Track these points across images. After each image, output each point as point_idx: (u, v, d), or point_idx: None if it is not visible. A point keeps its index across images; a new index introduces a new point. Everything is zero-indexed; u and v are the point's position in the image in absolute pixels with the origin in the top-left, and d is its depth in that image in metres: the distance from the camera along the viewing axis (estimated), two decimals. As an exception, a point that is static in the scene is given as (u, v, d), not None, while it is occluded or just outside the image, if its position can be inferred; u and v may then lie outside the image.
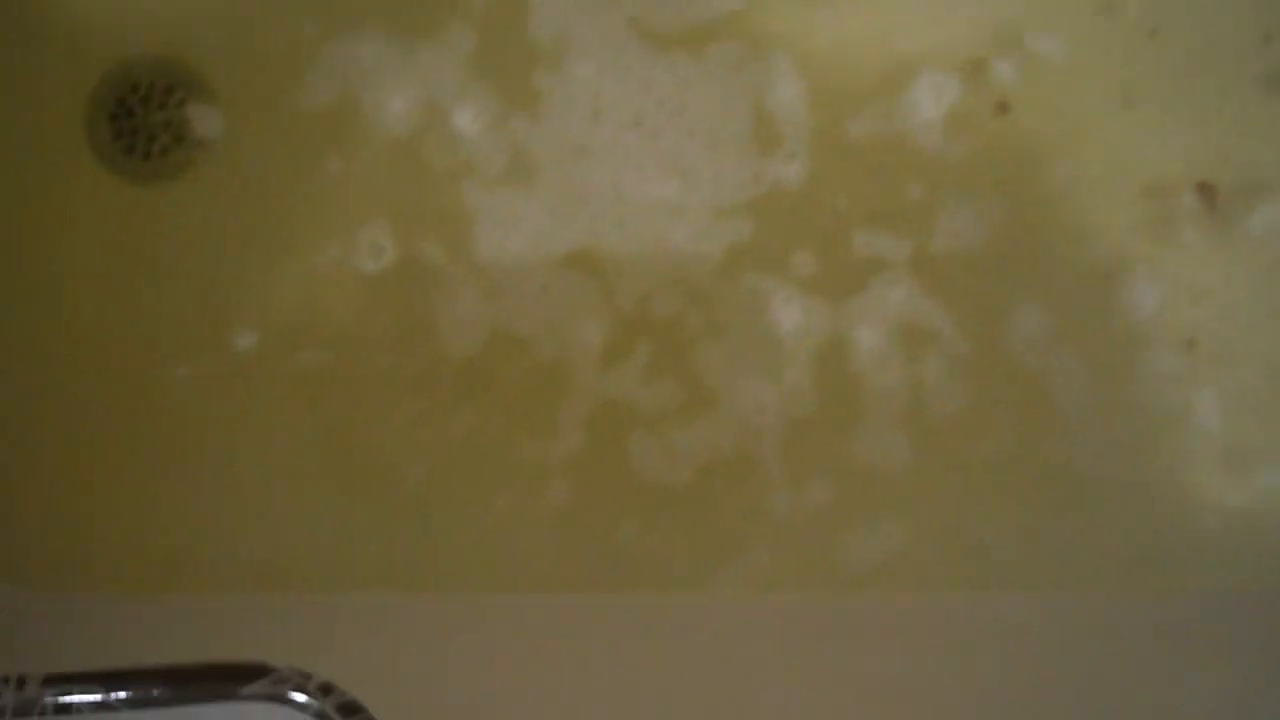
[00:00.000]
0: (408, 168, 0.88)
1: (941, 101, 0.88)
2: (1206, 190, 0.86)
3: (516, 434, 0.86)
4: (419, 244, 0.87)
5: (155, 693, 0.54)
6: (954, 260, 0.87)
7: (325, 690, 0.51)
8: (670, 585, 0.84)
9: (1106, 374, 0.86)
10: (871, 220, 0.87)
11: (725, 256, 0.87)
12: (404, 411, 0.86)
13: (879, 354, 0.86)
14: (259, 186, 0.88)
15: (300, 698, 0.51)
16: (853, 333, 0.87)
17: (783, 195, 0.87)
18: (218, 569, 0.84)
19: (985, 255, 0.87)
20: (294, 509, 0.86)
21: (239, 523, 0.86)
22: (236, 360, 0.86)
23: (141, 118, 0.88)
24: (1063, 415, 0.86)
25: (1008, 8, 0.88)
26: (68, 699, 0.57)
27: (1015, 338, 0.87)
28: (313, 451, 0.87)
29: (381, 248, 0.87)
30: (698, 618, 0.81)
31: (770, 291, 0.87)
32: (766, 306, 0.87)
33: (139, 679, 0.54)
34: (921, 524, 0.85)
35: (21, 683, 0.58)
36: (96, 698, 0.56)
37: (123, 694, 0.54)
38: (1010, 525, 0.85)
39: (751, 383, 0.86)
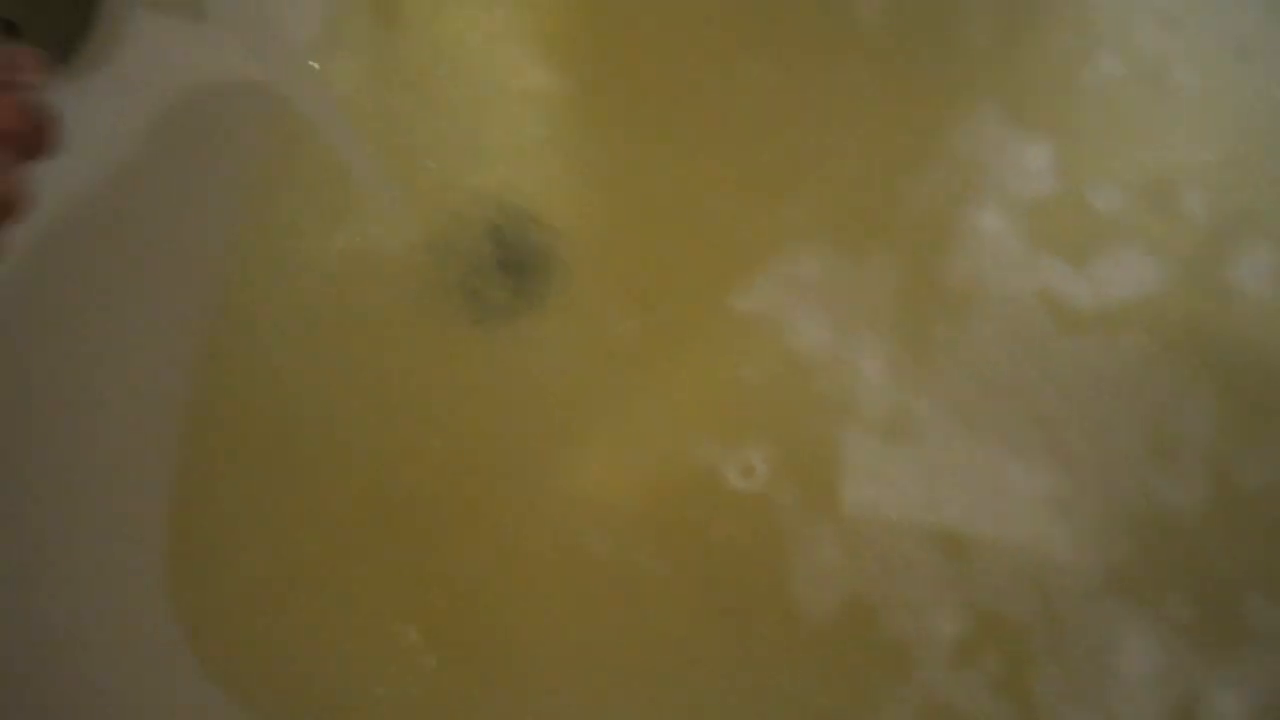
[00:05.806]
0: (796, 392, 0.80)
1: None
2: None
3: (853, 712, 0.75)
4: (792, 477, 0.78)
5: None
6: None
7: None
8: None
9: None
10: (1266, 583, 0.77)
11: (1102, 579, 0.77)
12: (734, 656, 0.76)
13: (1241, 736, 0.76)
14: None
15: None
16: (1213, 700, 0.76)
17: (1170, 525, 0.78)
18: None
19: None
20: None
21: None
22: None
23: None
24: None
25: None
26: None
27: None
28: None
29: (754, 469, 0.78)
30: None
31: (1131, 626, 0.77)
32: (1123, 642, 0.77)
33: None
34: None
35: None
36: None
37: None
38: None
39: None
